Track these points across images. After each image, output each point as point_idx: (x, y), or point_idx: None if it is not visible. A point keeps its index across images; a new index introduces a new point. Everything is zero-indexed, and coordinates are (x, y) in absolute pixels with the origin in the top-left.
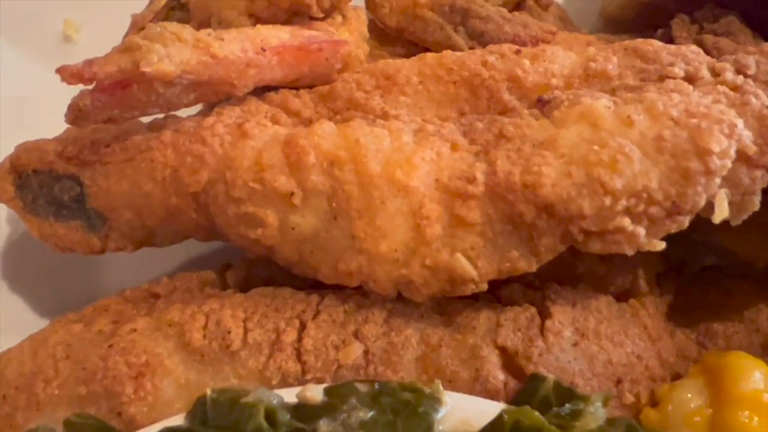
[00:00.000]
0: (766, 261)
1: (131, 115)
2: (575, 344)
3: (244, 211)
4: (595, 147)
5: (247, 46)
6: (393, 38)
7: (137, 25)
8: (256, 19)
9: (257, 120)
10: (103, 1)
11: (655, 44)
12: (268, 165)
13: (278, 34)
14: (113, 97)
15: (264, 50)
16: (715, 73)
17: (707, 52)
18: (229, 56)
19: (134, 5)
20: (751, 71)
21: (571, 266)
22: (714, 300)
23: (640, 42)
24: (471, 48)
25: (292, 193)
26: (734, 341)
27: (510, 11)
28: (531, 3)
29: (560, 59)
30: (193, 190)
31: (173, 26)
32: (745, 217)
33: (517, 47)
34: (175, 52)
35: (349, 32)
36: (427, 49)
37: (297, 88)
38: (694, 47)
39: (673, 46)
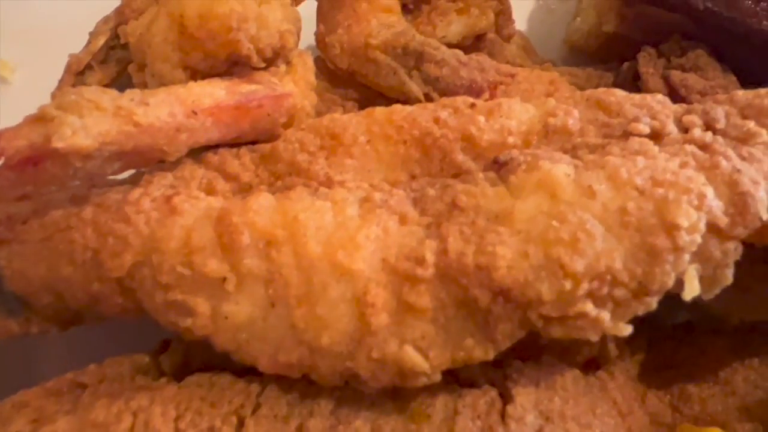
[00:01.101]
0: (739, 317)
1: (47, 190)
2: (539, 430)
3: (173, 299)
4: (554, 222)
5: (176, 110)
6: (345, 80)
7: (72, 68)
8: (193, 72)
9: (189, 192)
10: (40, 40)
11: (619, 94)
12: (198, 247)
13: (213, 92)
14: (24, 174)
15: (195, 113)
16: (683, 127)
17: (675, 90)
18: (156, 123)
19: (73, 44)
20: (720, 125)
21: (535, 336)
22: (687, 358)
23: (602, 92)
24: (426, 94)
25: (225, 279)
26: (710, 405)
27: (471, 45)
28: (492, 36)
29: (517, 114)
30: (116, 275)
31: (91, 92)
32: (718, 291)
33: (471, 101)
34: (93, 122)
35: (295, 82)
36: (380, 94)
37: (239, 145)
38: (660, 96)
39: (637, 96)
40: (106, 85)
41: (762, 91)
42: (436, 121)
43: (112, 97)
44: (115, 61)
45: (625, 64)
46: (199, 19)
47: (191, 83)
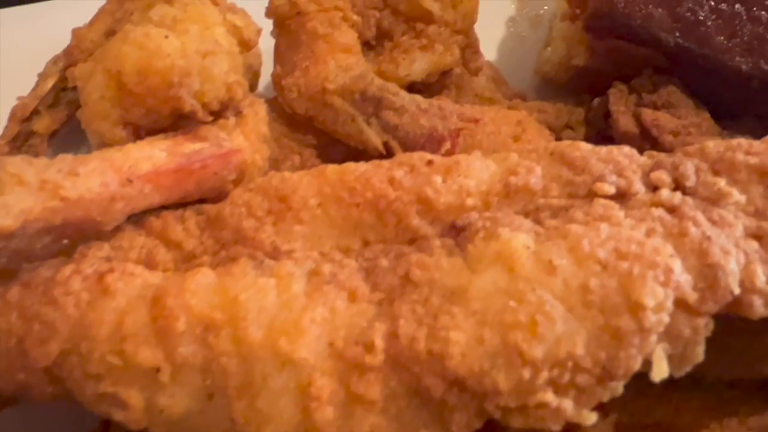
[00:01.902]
0: (716, 374)
1: None
2: None
3: (103, 390)
4: (512, 302)
5: (110, 178)
6: (304, 124)
7: (17, 116)
8: (135, 128)
9: (125, 267)
10: None
11: (584, 149)
12: (131, 333)
13: (152, 155)
14: None
15: (131, 181)
16: (651, 184)
17: (646, 130)
18: (86, 195)
19: (22, 86)
20: (690, 182)
21: None
22: (663, 419)
23: (567, 146)
24: (385, 142)
25: (159, 369)
26: None
27: (437, 81)
28: (459, 71)
29: (477, 172)
30: (42, 364)
31: (14, 165)
32: (689, 369)
33: (429, 158)
34: (15, 199)
35: (245, 134)
36: (339, 140)
37: (185, 205)
38: (626, 149)
39: (603, 150)
40: (56, 131)
41: (733, 142)
42: (391, 181)
43: (37, 169)
44: (65, 104)
45: (596, 100)
46: (137, 75)
47: (129, 146)
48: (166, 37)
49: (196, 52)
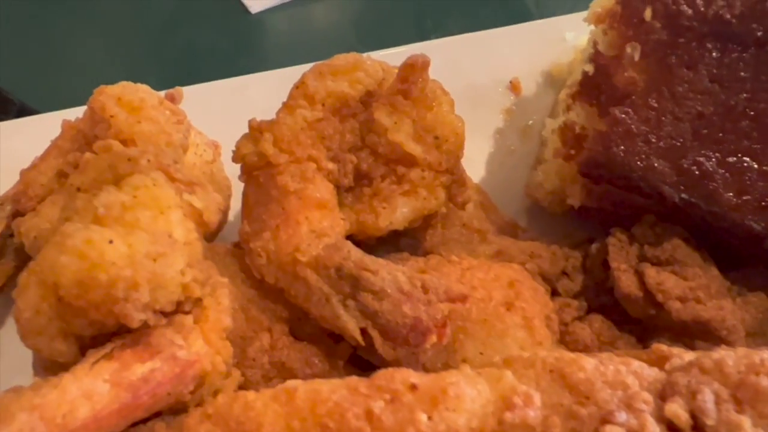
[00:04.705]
0: None
1: None
2: None
3: None
4: None
5: None
6: (273, 291)
7: None
8: (77, 338)
9: None
10: None
11: (588, 369)
12: None
13: (92, 390)
14: None
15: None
16: (665, 419)
17: (651, 295)
18: None
19: None
20: (711, 420)
21: None
22: None
23: (568, 364)
24: (363, 329)
25: None
26: None
27: (421, 227)
28: (444, 209)
29: (468, 403)
30: None
31: None
32: None
33: (412, 381)
34: None
35: (204, 334)
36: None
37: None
38: (635, 365)
39: (610, 370)
40: (3, 286)
41: (756, 359)
42: (369, 416)
43: None
44: (12, 253)
45: (593, 247)
46: (77, 287)
47: (65, 379)
48: (111, 242)
49: (145, 256)
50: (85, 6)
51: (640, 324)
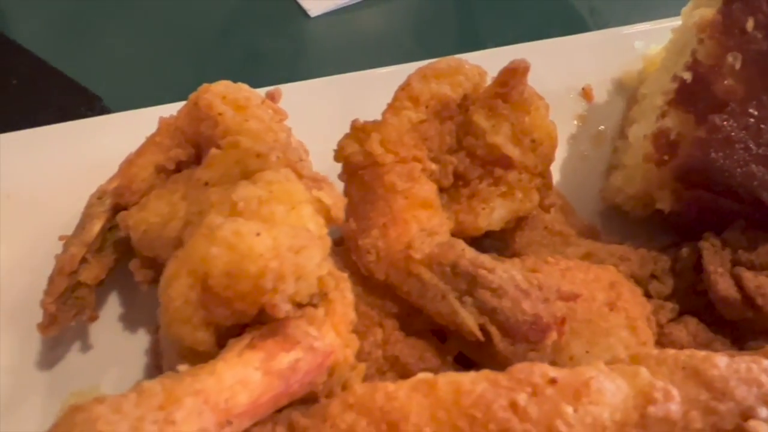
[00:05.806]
0: None
1: None
2: None
3: None
4: None
5: (207, 420)
6: (380, 287)
7: (65, 270)
8: (216, 328)
9: None
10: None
11: (721, 366)
12: None
13: (246, 378)
14: None
15: (231, 422)
16: None
17: (750, 298)
18: None
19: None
20: None
21: None
22: None
23: (701, 361)
24: (481, 325)
25: None
26: None
27: (508, 229)
28: (534, 212)
29: (609, 397)
30: None
31: (104, 420)
32: None
33: (551, 375)
34: None
35: (335, 326)
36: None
37: None
38: (766, 364)
39: (743, 367)
40: (102, 281)
41: None
42: (514, 408)
43: (129, 422)
44: (111, 246)
45: (684, 250)
46: (226, 278)
47: (220, 366)
48: (258, 234)
49: (288, 249)
50: (143, 7)
51: (734, 326)
